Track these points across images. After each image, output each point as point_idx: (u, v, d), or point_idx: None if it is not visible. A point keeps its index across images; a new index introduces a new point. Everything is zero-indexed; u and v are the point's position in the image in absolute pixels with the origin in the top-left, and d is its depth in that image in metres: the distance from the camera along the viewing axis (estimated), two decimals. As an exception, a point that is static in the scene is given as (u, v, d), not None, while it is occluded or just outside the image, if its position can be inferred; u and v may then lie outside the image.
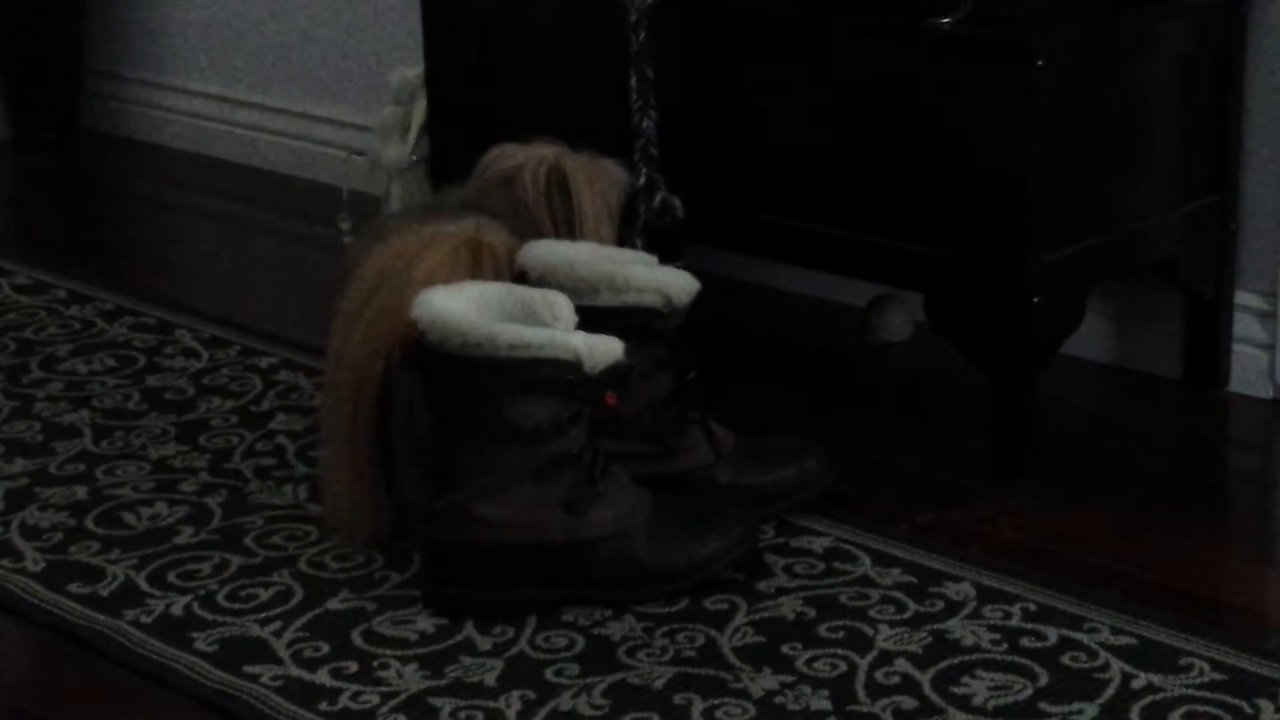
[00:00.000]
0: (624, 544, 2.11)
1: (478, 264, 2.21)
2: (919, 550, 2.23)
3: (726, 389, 2.57)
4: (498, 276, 2.21)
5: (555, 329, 2.09)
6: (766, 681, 1.97)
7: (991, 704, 1.92)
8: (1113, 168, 2.48)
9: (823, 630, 2.07)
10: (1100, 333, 2.77)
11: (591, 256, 2.28)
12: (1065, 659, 1.99)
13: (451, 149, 2.96)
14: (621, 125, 2.58)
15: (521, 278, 2.26)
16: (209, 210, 3.72)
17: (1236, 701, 1.91)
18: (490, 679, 1.99)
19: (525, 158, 2.37)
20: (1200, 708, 1.90)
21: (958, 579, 2.16)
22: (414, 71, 3.14)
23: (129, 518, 2.38)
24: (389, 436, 2.20)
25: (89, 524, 2.36)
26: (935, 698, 1.93)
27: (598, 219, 2.34)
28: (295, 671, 2.02)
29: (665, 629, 2.08)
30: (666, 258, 2.43)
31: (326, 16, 3.76)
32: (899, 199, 2.46)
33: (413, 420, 2.19)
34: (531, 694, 1.96)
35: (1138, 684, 1.95)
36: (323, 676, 2.01)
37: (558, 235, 2.33)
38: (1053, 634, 2.04)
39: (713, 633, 2.07)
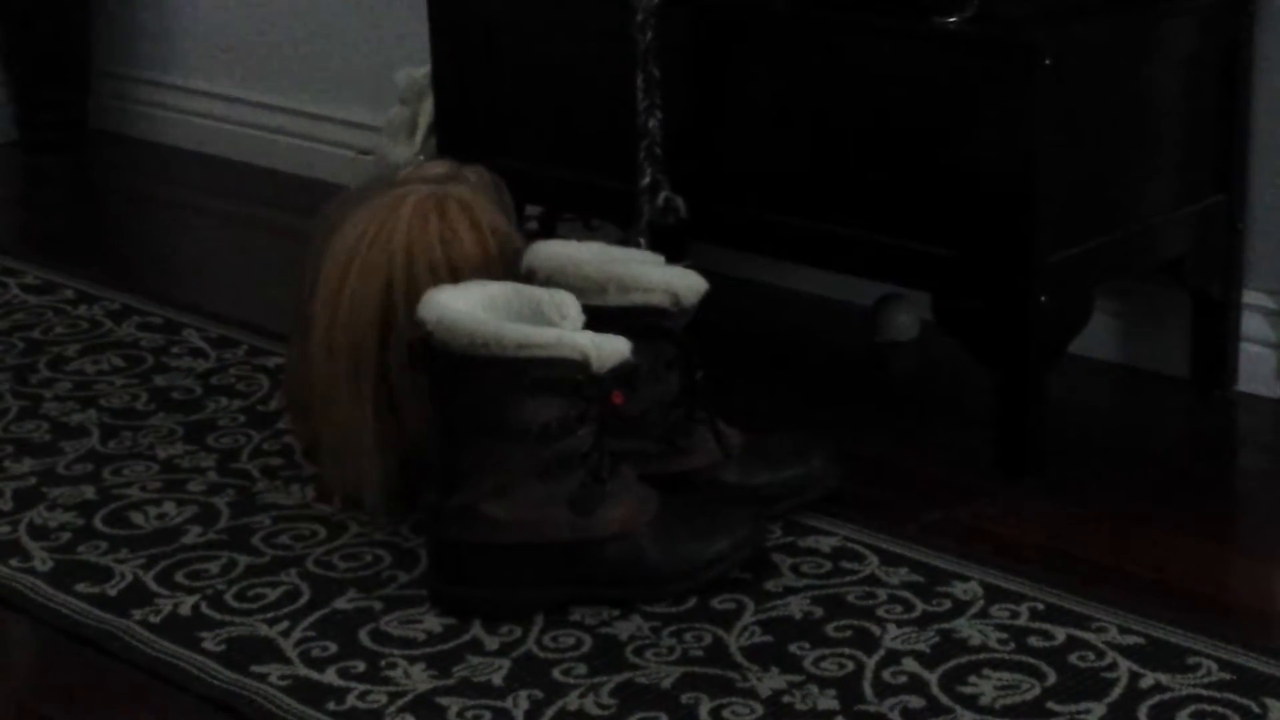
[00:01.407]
0: (631, 543, 2.11)
1: (444, 215, 2.26)
2: (926, 549, 2.23)
3: (733, 388, 2.57)
4: (473, 226, 2.25)
5: (563, 328, 2.09)
6: (774, 681, 1.97)
7: (999, 703, 1.92)
8: (1120, 167, 2.48)
9: (830, 630, 2.07)
10: (1107, 332, 2.77)
11: (599, 256, 2.28)
12: (1073, 658, 1.99)
13: (458, 148, 2.96)
14: (627, 124, 2.58)
15: (529, 277, 2.26)
16: (217, 210, 3.72)
17: (1245, 701, 1.91)
18: (497, 678, 2.00)
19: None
20: (1208, 707, 1.90)
21: (965, 578, 2.16)
22: (421, 71, 3.15)
23: (137, 517, 2.38)
24: (389, 389, 2.25)
25: (97, 524, 2.37)
26: (943, 697, 1.93)
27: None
28: (303, 671, 2.02)
29: (672, 628, 2.08)
30: (673, 257, 2.43)
31: (334, 16, 3.76)
32: (906, 198, 2.45)
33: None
34: (539, 693, 1.96)
35: (1145, 683, 1.94)
36: (330, 676, 2.01)
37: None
38: (1060, 633, 2.04)
39: (720, 632, 2.07)
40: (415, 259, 2.24)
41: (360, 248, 2.26)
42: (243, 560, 2.26)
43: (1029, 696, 1.93)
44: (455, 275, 2.23)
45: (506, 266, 2.27)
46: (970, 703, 1.92)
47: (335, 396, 2.28)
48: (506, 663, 2.02)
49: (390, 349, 2.24)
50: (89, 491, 2.45)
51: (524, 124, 2.87)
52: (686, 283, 2.25)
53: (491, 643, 2.06)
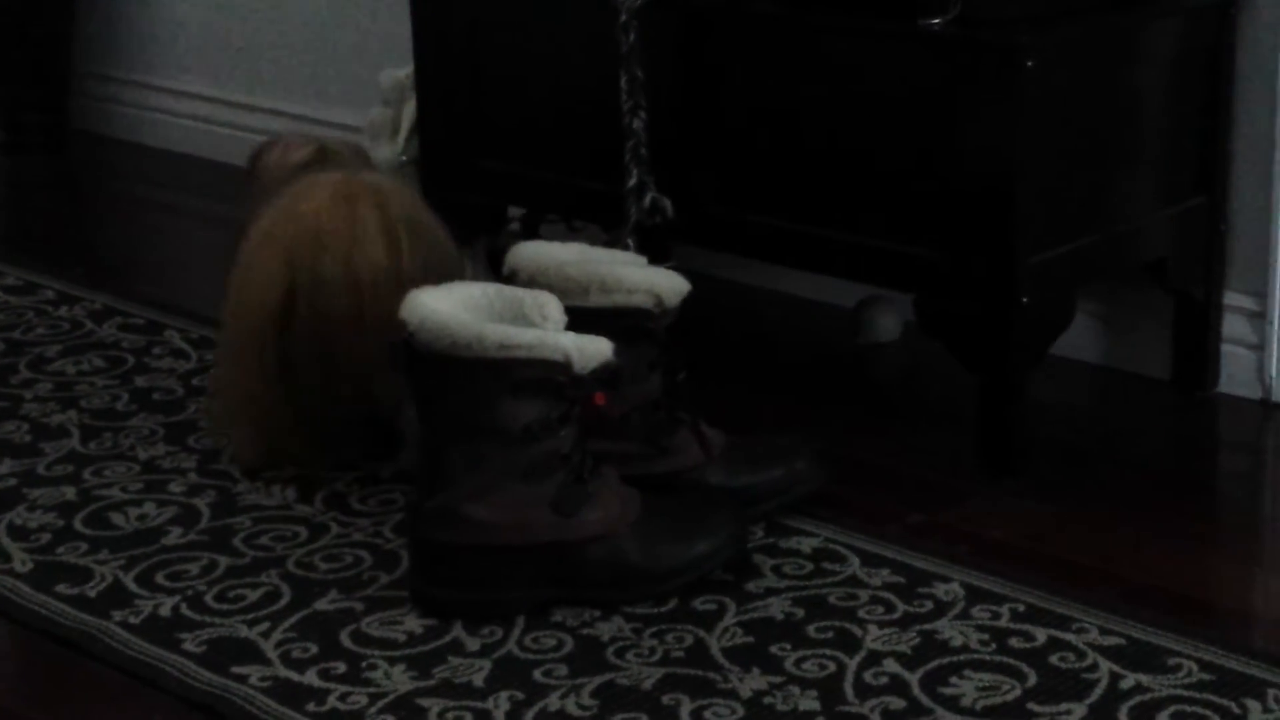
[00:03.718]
0: (613, 545, 2.11)
1: (354, 203, 2.36)
2: (908, 551, 2.23)
3: (716, 389, 2.57)
4: (378, 209, 2.36)
5: (545, 329, 2.09)
6: (755, 682, 1.97)
7: (980, 704, 1.92)
8: (1103, 168, 2.48)
9: (811, 631, 2.07)
10: (1089, 333, 2.78)
11: (581, 257, 2.28)
12: (1054, 659, 2.00)
13: (441, 150, 2.96)
14: (612, 125, 2.58)
15: (511, 278, 2.26)
16: (198, 211, 3.72)
17: (1225, 702, 1.91)
18: (478, 679, 1.99)
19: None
20: (1188, 708, 1.90)
21: (946, 579, 2.16)
22: (404, 72, 3.14)
23: (117, 518, 2.38)
24: (289, 356, 2.36)
25: (77, 525, 2.36)
26: (924, 698, 1.93)
27: None
28: (283, 672, 2.02)
29: (654, 629, 2.08)
30: (656, 258, 2.43)
31: (316, 17, 3.76)
32: (888, 200, 2.46)
33: (320, 348, 2.36)
34: (520, 694, 1.96)
35: (1126, 684, 1.95)
36: (311, 677, 2.01)
37: None
38: (1041, 634, 2.04)
39: (701, 633, 2.06)
40: (323, 246, 2.33)
41: (273, 233, 2.37)
42: (223, 561, 2.26)
43: (1010, 697, 1.93)
44: (352, 266, 2.32)
45: (415, 254, 2.36)
46: (951, 704, 1.92)
47: (232, 361, 2.41)
48: (487, 664, 2.02)
49: (291, 326, 2.35)
50: (69, 492, 2.45)
51: (507, 125, 2.87)
52: (669, 284, 2.25)
53: (473, 644, 2.06)
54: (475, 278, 2.88)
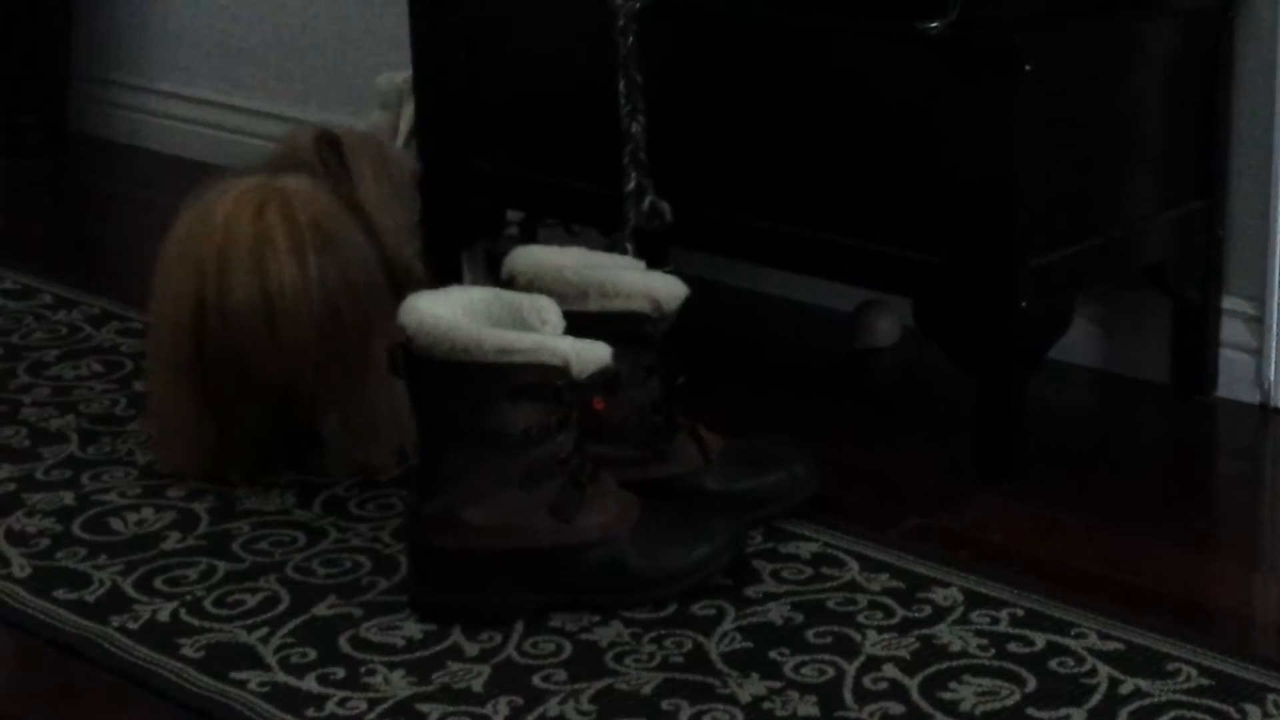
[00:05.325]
0: (611, 549, 2.11)
1: (261, 213, 2.35)
2: (907, 555, 2.23)
3: (715, 394, 2.57)
4: (285, 219, 2.35)
5: (543, 334, 2.09)
6: (754, 687, 1.97)
7: (979, 709, 1.92)
8: (1101, 172, 2.48)
9: (810, 636, 2.07)
10: (1088, 337, 2.78)
11: (580, 261, 2.28)
12: (1053, 664, 1.99)
13: (440, 153, 2.96)
14: (610, 129, 2.58)
15: (510, 282, 2.26)
16: (197, 214, 3.71)
17: (1224, 707, 1.91)
18: (477, 685, 1.99)
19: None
20: (1188, 713, 1.90)
21: (945, 584, 2.16)
22: (402, 76, 3.14)
23: (116, 523, 2.37)
24: (205, 369, 2.36)
25: (76, 530, 2.36)
26: (923, 703, 1.93)
27: (375, 178, 2.48)
28: (282, 677, 2.02)
29: (653, 634, 2.08)
30: (655, 262, 2.43)
31: (315, 21, 3.76)
32: (887, 203, 2.46)
33: (233, 358, 2.35)
34: (519, 700, 1.96)
35: (1125, 689, 1.95)
36: (309, 682, 2.00)
37: (332, 182, 2.46)
38: (1040, 639, 2.04)
39: (700, 638, 2.06)
40: (229, 260, 2.33)
41: (186, 241, 2.38)
42: (222, 566, 2.26)
43: (1009, 702, 1.93)
44: (264, 275, 2.32)
45: (327, 265, 2.36)
46: (950, 709, 1.92)
47: (155, 378, 2.45)
48: (486, 669, 2.02)
49: (204, 340, 2.35)
50: (68, 497, 2.45)
51: (505, 129, 2.87)
52: (667, 288, 2.25)
53: (471, 649, 2.06)
54: (474, 282, 2.89)
